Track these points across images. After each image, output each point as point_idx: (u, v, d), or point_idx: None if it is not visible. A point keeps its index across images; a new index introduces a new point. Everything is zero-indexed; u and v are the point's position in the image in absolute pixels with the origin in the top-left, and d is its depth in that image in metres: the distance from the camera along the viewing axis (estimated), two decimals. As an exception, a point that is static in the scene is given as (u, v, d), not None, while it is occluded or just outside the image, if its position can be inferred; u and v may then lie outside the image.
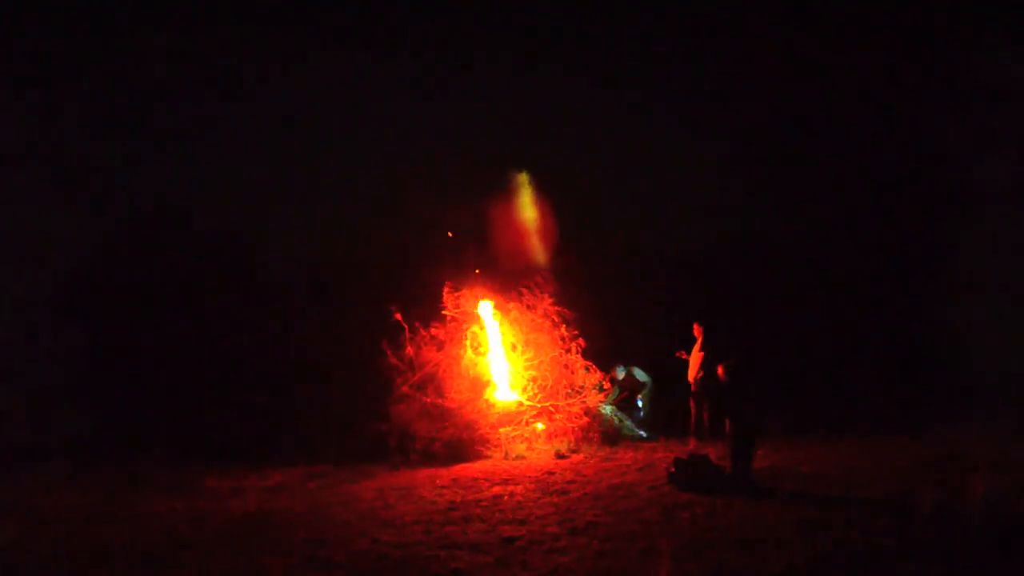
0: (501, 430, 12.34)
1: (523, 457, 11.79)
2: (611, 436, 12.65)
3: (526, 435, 12.38)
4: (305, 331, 16.44)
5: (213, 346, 16.21)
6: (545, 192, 15.83)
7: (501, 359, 13.47)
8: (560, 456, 11.70)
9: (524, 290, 13.58)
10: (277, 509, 9.29)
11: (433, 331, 13.11)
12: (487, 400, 12.85)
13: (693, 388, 12.42)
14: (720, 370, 9.53)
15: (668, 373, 13.16)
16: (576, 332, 13.23)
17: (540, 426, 12.60)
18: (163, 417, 14.22)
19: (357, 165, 18.88)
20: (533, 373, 13.07)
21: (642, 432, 13.01)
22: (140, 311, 16.69)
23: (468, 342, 13.16)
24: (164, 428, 13.67)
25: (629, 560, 6.90)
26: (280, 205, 19.15)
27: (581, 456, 11.72)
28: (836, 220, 18.61)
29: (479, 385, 12.91)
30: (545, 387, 12.94)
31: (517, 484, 10.09)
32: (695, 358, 12.40)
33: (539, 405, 12.81)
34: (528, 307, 13.49)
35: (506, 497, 9.43)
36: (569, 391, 12.96)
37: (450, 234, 15.21)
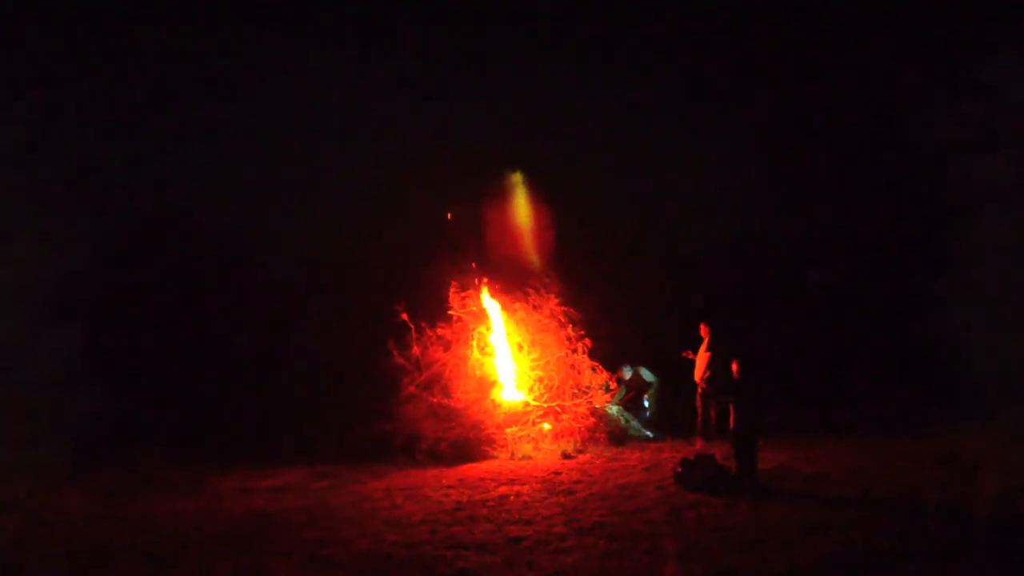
0: (507, 430, 12.35)
1: (529, 457, 11.81)
2: (617, 436, 12.64)
3: (532, 435, 12.39)
4: (310, 331, 16.46)
5: (217, 346, 16.23)
6: (548, 192, 15.84)
7: (507, 359, 13.51)
8: (566, 456, 11.72)
9: (530, 290, 13.62)
10: (283, 509, 9.31)
11: (439, 331, 13.14)
12: (493, 400, 12.88)
13: (700, 388, 12.44)
14: (735, 366, 9.56)
15: (674, 373, 13.18)
16: (582, 332, 13.26)
17: (546, 426, 12.61)
18: (168, 417, 14.23)
19: (358, 165, 18.87)
20: (539, 373, 13.09)
21: (648, 432, 13.00)
22: (143, 311, 16.71)
23: (474, 342, 13.19)
24: (169, 428, 13.68)
25: (635, 560, 6.92)
26: (283, 205, 19.15)
27: (587, 456, 11.73)
28: (837, 220, 18.65)
29: (485, 385, 12.95)
30: (551, 387, 12.96)
31: (523, 484, 10.11)
32: (702, 358, 12.40)
33: (545, 405, 12.82)
34: (534, 307, 13.52)
35: (512, 497, 9.46)
36: (575, 391, 12.98)
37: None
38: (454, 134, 18.71)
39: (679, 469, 9.62)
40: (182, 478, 11.10)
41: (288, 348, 16.30)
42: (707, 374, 12.19)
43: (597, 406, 12.88)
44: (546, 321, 13.40)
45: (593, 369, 13.17)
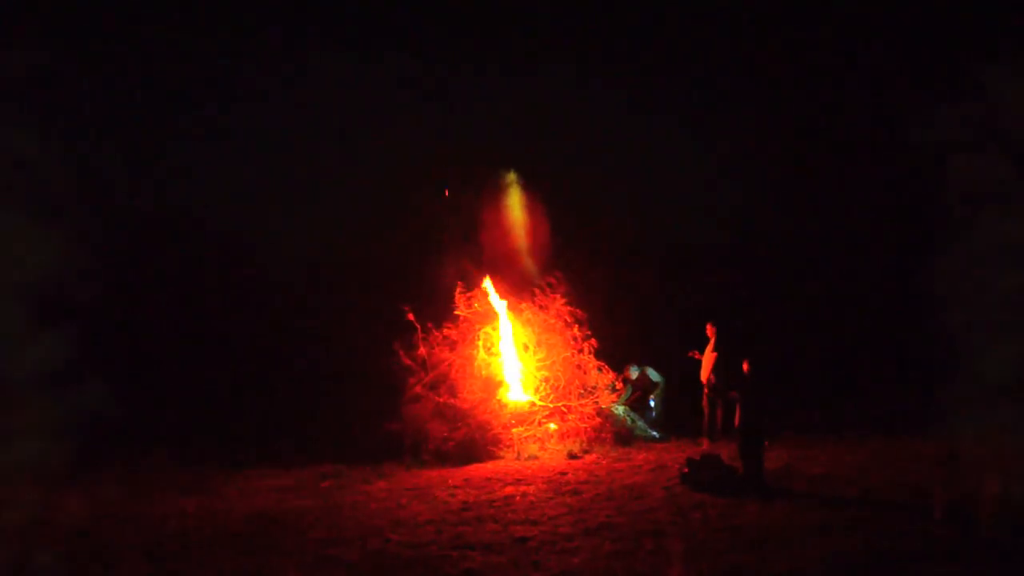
0: (513, 430, 12.35)
1: (536, 457, 11.79)
2: (624, 436, 12.62)
3: (538, 435, 12.38)
4: (316, 331, 16.49)
5: (222, 345, 16.28)
6: (549, 193, 15.84)
7: (513, 359, 13.50)
8: (573, 456, 11.70)
9: (537, 291, 13.62)
10: (289, 509, 9.32)
11: (446, 331, 13.14)
12: (499, 400, 12.87)
13: (706, 388, 12.41)
14: (745, 366, 9.53)
15: (681, 373, 13.15)
16: (588, 332, 13.25)
17: (553, 426, 12.60)
18: (172, 417, 14.28)
19: (360, 165, 18.91)
20: (546, 373, 13.08)
21: (654, 432, 12.98)
22: (147, 310, 16.78)
23: (480, 342, 13.18)
24: (173, 428, 13.73)
25: (641, 560, 6.90)
26: (288, 204, 19.21)
27: (594, 456, 11.71)
28: (837, 220, 18.59)
29: (492, 385, 12.93)
30: (558, 387, 12.95)
31: (530, 484, 10.10)
32: (708, 358, 12.37)
33: (552, 405, 12.82)
34: (540, 307, 13.51)
35: (518, 497, 9.45)
36: (582, 391, 12.97)
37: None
38: (454, 134, 18.75)
39: (685, 469, 9.60)
40: (186, 478, 11.15)
41: (293, 348, 16.33)
42: (713, 375, 12.15)
43: (603, 406, 12.86)
44: (552, 321, 13.38)
45: (599, 369, 13.15)
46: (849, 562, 6.67)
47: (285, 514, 9.05)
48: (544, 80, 19.90)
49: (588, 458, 11.63)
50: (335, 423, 13.51)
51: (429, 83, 20.71)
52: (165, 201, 19.02)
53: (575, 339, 13.23)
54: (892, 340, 15.80)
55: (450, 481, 10.49)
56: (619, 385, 13.31)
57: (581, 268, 14.91)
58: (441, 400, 12.51)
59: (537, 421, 12.64)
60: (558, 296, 13.51)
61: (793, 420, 12.45)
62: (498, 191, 15.43)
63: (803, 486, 9.35)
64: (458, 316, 13.35)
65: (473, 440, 12.01)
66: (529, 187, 15.52)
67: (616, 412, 13.04)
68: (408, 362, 12.92)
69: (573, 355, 13.16)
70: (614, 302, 15.25)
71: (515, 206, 15.37)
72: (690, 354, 12.64)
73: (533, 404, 12.89)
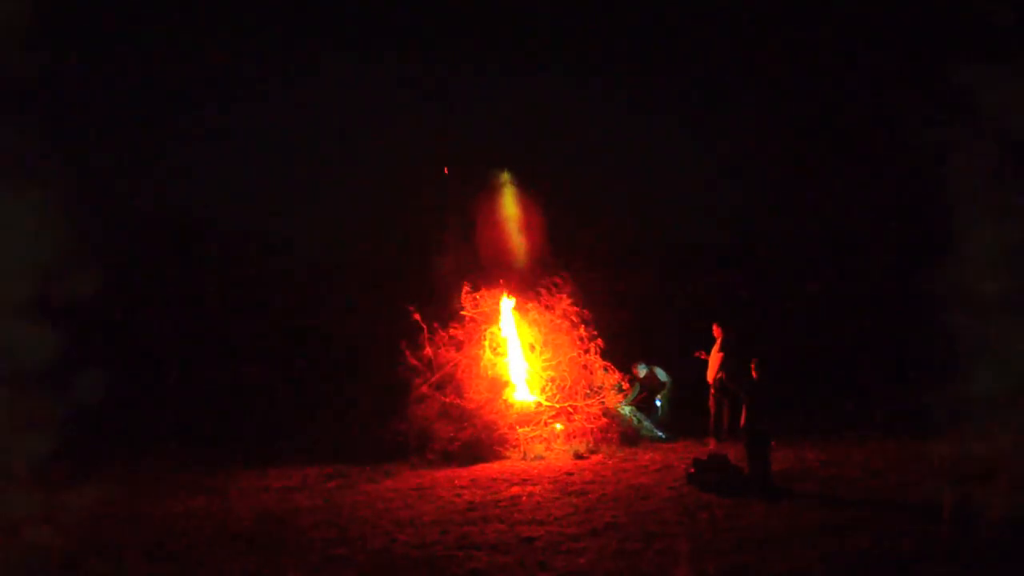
0: (520, 430, 12.32)
1: (542, 457, 11.77)
2: (630, 437, 12.58)
3: (545, 435, 12.34)
4: (322, 330, 16.51)
5: (227, 344, 16.31)
6: (550, 192, 15.84)
7: (520, 359, 13.49)
8: (579, 456, 11.67)
9: (543, 291, 13.60)
10: (293, 508, 9.33)
11: (452, 331, 13.14)
12: (506, 400, 12.84)
13: (712, 388, 12.37)
14: (753, 366, 9.50)
15: (687, 373, 13.12)
16: (594, 332, 13.22)
17: (559, 426, 12.57)
18: (177, 417, 14.31)
19: (362, 164, 18.96)
20: (552, 373, 13.06)
21: (661, 433, 12.95)
22: (152, 310, 16.82)
23: (487, 342, 13.17)
24: (178, 428, 13.75)
25: (648, 561, 6.88)
26: (286, 204, 19.27)
27: (600, 456, 11.69)
28: (839, 220, 18.56)
29: (498, 385, 12.91)
30: (564, 387, 12.91)
31: (536, 484, 10.08)
32: (714, 358, 12.34)
33: (558, 405, 12.78)
34: (547, 307, 13.49)
35: (525, 497, 9.43)
36: (588, 391, 12.94)
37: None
38: (455, 134, 18.78)
39: (692, 469, 9.57)
40: (188, 478, 11.16)
41: (296, 347, 16.35)
42: (720, 375, 12.11)
43: (610, 406, 12.83)
44: (558, 321, 13.37)
45: (605, 369, 13.12)
46: (854, 562, 6.65)
47: (289, 514, 9.06)
48: (544, 80, 19.92)
49: (594, 458, 11.61)
50: (340, 423, 13.51)
51: (429, 83, 20.76)
52: (165, 201, 19.06)
53: (581, 339, 13.21)
54: (893, 340, 15.73)
55: (456, 481, 10.47)
56: (625, 385, 13.28)
57: (579, 266, 14.91)
58: (447, 400, 12.50)
59: (543, 421, 12.60)
60: (564, 296, 13.50)
61: (797, 420, 12.39)
62: (498, 191, 15.41)
63: (808, 487, 9.32)
64: (464, 316, 13.34)
65: (479, 440, 11.99)
66: (529, 187, 15.50)
67: (622, 412, 13.01)
68: (414, 362, 12.92)
69: (579, 355, 13.14)
70: (614, 302, 15.21)
71: (514, 206, 15.35)
72: (697, 354, 12.62)
73: (539, 404, 12.87)
